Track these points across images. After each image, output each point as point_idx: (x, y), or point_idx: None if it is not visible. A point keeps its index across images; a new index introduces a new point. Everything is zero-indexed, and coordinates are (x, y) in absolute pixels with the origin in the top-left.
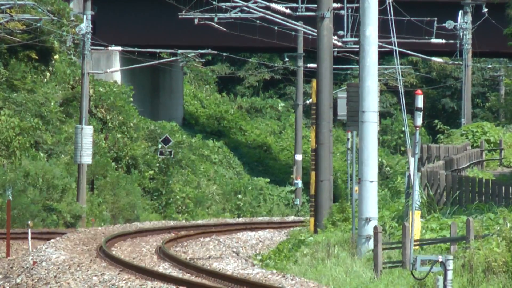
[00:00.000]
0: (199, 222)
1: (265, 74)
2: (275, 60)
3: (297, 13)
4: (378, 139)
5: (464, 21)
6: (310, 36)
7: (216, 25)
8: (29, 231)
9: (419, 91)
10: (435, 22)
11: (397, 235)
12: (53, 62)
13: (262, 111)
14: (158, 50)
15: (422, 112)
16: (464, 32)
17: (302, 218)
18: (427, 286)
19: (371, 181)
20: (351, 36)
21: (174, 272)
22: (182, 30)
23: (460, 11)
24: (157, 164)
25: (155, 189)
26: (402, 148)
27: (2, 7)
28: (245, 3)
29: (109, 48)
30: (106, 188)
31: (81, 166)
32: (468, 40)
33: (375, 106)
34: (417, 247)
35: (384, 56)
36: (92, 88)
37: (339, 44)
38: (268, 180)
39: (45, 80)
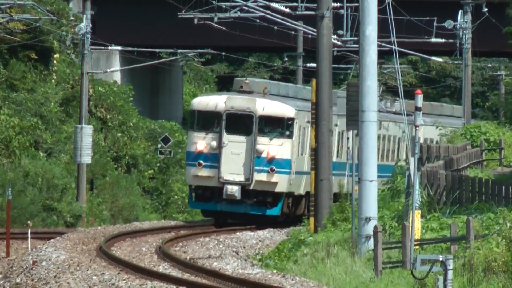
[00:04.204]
0: (199, 221)
1: (264, 74)
2: (275, 59)
3: (297, 13)
4: None
5: (464, 21)
6: (310, 36)
7: (216, 25)
8: (29, 230)
9: (418, 90)
10: (435, 22)
11: (397, 235)
12: (53, 61)
13: None
14: (157, 50)
15: (421, 111)
16: (464, 31)
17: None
18: (427, 286)
19: (371, 181)
20: (351, 36)
21: (174, 272)
22: (181, 30)
23: (460, 11)
24: (157, 164)
25: (155, 188)
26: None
27: (1, 7)
28: (244, 3)
29: (109, 47)
30: (106, 188)
31: (81, 166)
32: (467, 39)
33: (374, 106)
34: (417, 246)
35: (384, 56)
36: (92, 87)
37: (339, 43)
38: None
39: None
